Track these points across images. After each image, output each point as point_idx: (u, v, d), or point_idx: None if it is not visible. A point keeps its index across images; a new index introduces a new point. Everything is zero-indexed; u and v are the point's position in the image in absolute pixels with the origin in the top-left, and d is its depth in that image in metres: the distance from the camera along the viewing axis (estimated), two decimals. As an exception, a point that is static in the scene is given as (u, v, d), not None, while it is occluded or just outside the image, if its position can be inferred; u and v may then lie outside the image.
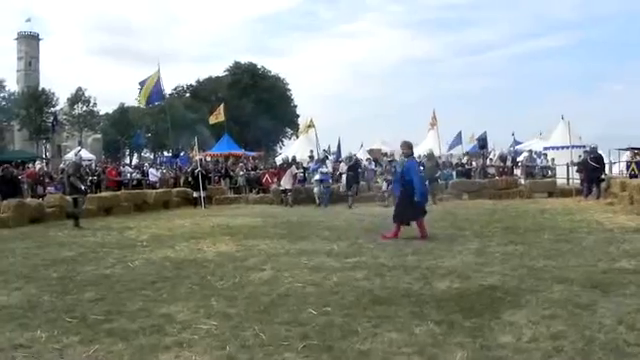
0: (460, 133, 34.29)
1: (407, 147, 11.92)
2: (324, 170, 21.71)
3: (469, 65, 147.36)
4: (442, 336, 4.98)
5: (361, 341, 4.92)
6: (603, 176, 20.32)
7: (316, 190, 21.52)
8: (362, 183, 23.40)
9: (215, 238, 12.23)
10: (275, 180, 23.79)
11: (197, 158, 25.13)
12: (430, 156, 21.13)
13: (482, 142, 32.18)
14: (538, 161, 27.32)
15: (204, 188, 22.68)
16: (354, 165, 22.17)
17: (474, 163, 27.89)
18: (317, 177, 21.57)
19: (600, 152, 21.51)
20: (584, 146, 24.67)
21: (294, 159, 26.13)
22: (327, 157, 24.15)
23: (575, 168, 22.90)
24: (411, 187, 11.29)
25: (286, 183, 21.99)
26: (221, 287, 7.32)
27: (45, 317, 5.99)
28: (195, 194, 22.49)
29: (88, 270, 8.77)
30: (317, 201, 21.34)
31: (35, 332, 5.43)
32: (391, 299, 6.35)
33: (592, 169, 20.01)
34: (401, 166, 11.91)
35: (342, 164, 23.39)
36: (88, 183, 20.48)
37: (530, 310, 5.71)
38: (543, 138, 36.33)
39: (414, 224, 11.47)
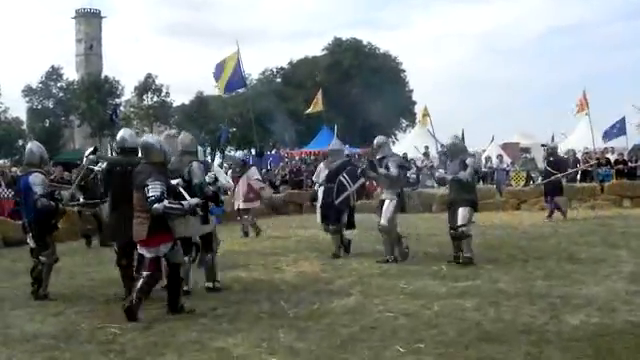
0: (623, 120, 32.82)
1: None
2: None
3: (634, 30, 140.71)
4: (561, 387, 4.78)
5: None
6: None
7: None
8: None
9: (299, 254, 12.36)
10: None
11: None
12: (454, 149, 11.81)
13: (649, 132, 30.71)
14: None
15: None
16: (338, 169, 12.57)
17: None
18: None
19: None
20: None
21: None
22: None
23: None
24: None
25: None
26: (294, 316, 7.42)
27: (79, 350, 6.25)
28: None
29: (141, 293, 9.04)
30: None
31: (64, 369, 5.68)
32: (504, 336, 6.20)
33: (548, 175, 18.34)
34: None
35: (320, 166, 15.11)
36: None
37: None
38: None
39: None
